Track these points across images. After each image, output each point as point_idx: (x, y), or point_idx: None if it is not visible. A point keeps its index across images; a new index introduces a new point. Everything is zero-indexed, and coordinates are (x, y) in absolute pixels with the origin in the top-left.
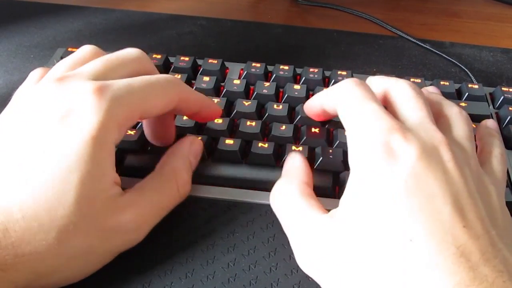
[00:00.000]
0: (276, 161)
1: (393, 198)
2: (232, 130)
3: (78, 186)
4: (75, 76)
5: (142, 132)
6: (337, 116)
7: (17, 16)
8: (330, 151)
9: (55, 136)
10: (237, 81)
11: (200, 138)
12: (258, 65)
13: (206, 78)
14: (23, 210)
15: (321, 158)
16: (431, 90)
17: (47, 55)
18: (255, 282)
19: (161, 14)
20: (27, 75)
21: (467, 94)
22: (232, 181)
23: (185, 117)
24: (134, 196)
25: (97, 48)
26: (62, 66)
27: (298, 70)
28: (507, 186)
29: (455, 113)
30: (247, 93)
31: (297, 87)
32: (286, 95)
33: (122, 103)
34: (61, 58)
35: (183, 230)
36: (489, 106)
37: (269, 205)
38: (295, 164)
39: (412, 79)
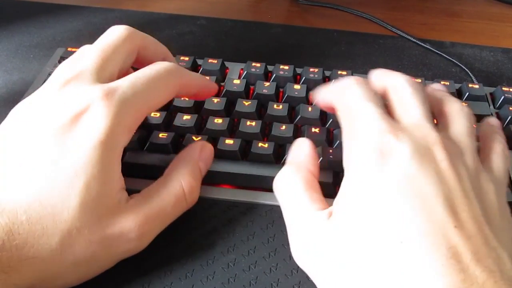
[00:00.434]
0: (276, 161)
1: (385, 200)
2: (232, 130)
3: (83, 191)
4: (78, 78)
5: (142, 132)
6: None
7: (17, 16)
8: (330, 151)
9: (63, 141)
10: (237, 81)
11: (200, 138)
12: (258, 65)
13: (206, 78)
14: (27, 213)
15: (321, 158)
16: (436, 87)
17: (46, 55)
18: (255, 282)
19: (160, 13)
20: (27, 75)
21: (467, 94)
22: (232, 181)
23: (185, 117)
24: (139, 203)
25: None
26: (63, 69)
27: (298, 70)
28: (508, 186)
29: (456, 109)
30: (247, 93)
31: (297, 87)
32: (286, 95)
33: (129, 106)
34: (61, 58)
35: (183, 230)
36: (489, 106)
37: (269, 206)
38: (303, 151)
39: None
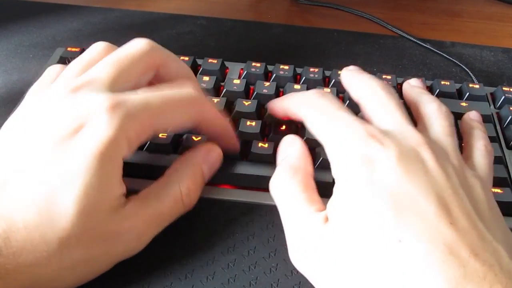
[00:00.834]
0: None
1: (378, 204)
2: None
3: (81, 198)
4: (89, 85)
5: None
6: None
7: (16, 15)
8: None
9: (63, 149)
10: (237, 81)
11: (199, 138)
12: (258, 64)
13: (206, 78)
14: (25, 220)
15: (321, 158)
16: (413, 83)
17: (46, 55)
18: (255, 282)
19: (160, 13)
20: (27, 75)
21: (468, 94)
22: (232, 181)
23: None
24: (136, 205)
25: (109, 45)
26: (75, 67)
27: (298, 70)
28: (507, 186)
29: (434, 109)
30: (247, 93)
31: (297, 87)
32: None
33: (135, 120)
34: (61, 57)
35: (182, 230)
36: (490, 106)
37: (269, 206)
38: (296, 151)
39: (412, 79)
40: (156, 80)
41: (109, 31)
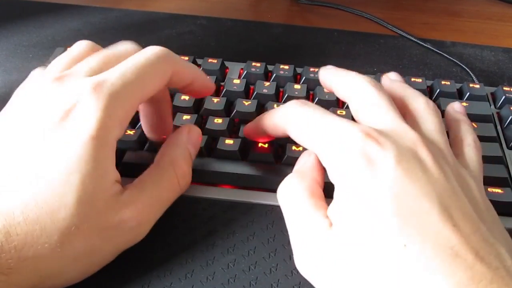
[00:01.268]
0: (276, 161)
1: (381, 207)
2: (232, 130)
3: (79, 187)
4: (72, 75)
5: (142, 131)
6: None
7: (16, 15)
8: None
9: (55, 138)
10: (237, 81)
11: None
12: (258, 64)
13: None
14: (24, 213)
15: None
16: (393, 77)
17: (46, 55)
18: (255, 283)
19: (160, 13)
20: (26, 75)
21: (468, 94)
22: (232, 181)
23: (185, 117)
24: (134, 192)
25: (92, 43)
26: (59, 63)
27: (299, 70)
28: (507, 186)
29: (422, 106)
30: (247, 93)
31: (297, 86)
32: (287, 94)
33: (120, 98)
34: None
35: (182, 231)
36: (490, 106)
37: (269, 206)
38: (309, 160)
39: (413, 79)
40: None
41: (109, 31)
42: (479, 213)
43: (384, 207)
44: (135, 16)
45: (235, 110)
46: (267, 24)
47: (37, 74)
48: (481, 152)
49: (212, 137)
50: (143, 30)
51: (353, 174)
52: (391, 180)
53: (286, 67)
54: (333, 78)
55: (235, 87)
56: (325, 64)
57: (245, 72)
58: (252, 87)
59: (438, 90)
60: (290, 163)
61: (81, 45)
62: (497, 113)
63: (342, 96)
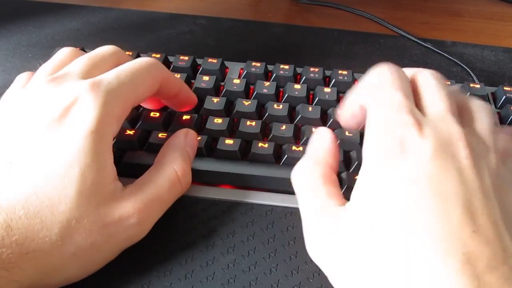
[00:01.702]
0: (276, 161)
1: (403, 197)
2: (232, 130)
3: (79, 180)
4: (66, 76)
5: (141, 131)
6: None
7: (16, 15)
8: None
9: (55, 133)
10: (237, 81)
11: (200, 138)
12: (258, 64)
13: (206, 78)
14: (25, 207)
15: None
16: (454, 88)
17: (45, 54)
18: (255, 283)
19: (160, 13)
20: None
21: (468, 93)
22: (232, 181)
23: (184, 117)
24: (135, 190)
25: (76, 49)
26: (48, 67)
27: (299, 70)
28: None
29: (478, 105)
30: (247, 93)
31: (297, 86)
32: (287, 94)
33: (116, 96)
34: None
35: (182, 231)
36: (491, 105)
37: (269, 206)
38: (323, 144)
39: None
40: None
41: (109, 30)
42: (508, 221)
43: (403, 202)
44: (135, 16)
45: (235, 110)
46: (267, 23)
47: (24, 79)
48: None
49: (212, 137)
50: (143, 30)
51: (384, 155)
52: (421, 172)
53: (286, 67)
54: (406, 69)
55: (235, 87)
56: (325, 63)
57: (245, 72)
58: (252, 87)
59: None
60: (290, 163)
61: (66, 51)
62: (498, 113)
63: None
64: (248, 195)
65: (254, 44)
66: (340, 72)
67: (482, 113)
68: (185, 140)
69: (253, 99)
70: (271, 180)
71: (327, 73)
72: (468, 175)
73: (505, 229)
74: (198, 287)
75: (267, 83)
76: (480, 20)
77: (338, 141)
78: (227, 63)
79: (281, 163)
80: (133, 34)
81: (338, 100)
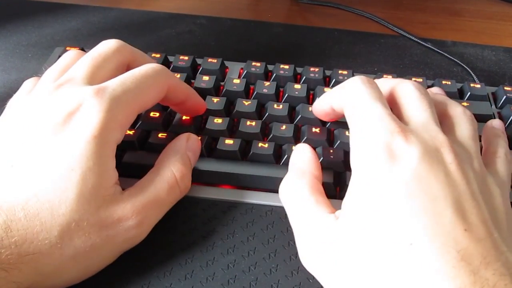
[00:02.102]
0: (276, 161)
1: (394, 201)
2: (232, 130)
3: (80, 184)
4: (70, 81)
5: (141, 131)
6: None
7: (15, 14)
8: (331, 151)
9: (57, 137)
10: (237, 81)
11: (200, 138)
12: (258, 64)
13: (206, 78)
14: (25, 209)
15: (322, 158)
16: (434, 91)
17: (45, 54)
18: (255, 283)
19: (160, 12)
20: (25, 74)
21: (469, 93)
22: (232, 181)
23: (184, 117)
24: (134, 192)
25: (80, 52)
26: (53, 73)
27: (299, 70)
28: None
29: (459, 112)
30: (247, 93)
31: (297, 86)
32: (287, 94)
33: (120, 103)
34: (59, 57)
35: (182, 231)
36: (491, 105)
37: (269, 206)
38: (304, 156)
39: (413, 79)
40: None
41: (108, 30)
42: (496, 221)
43: (395, 203)
44: (135, 15)
45: (235, 110)
46: (267, 23)
47: (31, 84)
48: (511, 166)
49: (212, 137)
50: (142, 30)
51: (373, 164)
52: (410, 176)
53: (286, 66)
54: (383, 82)
55: (235, 87)
56: (325, 63)
57: (245, 71)
58: (252, 87)
59: None
60: None
61: (71, 54)
62: (498, 113)
63: (383, 91)
64: (248, 195)
65: (254, 44)
66: (340, 72)
67: (462, 120)
68: (186, 144)
69: (253, 99)
70: (271, 180)
71: (327, 73)
72: (456, 178)
73: (494, 227)
74: (198, 287)
75: (267, 83)
76: (480, 20)
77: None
78: (227, 63)
79: (281, 163)
80: (133, 34)
81: None
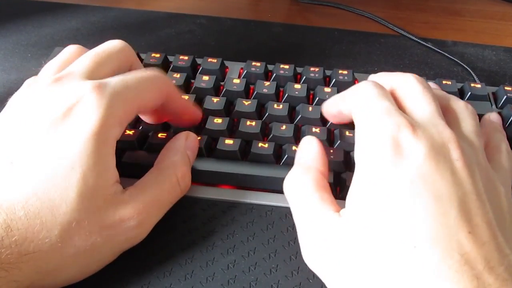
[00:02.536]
0: (276, 161)
1: (398, 201)
2: (232, 130)
3: (80, 182)
4: (69, 75)
5: (141, 131)
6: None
7: (15, 14)
8: (331, 151)
9: (57, 134)
10: (237, 80)
11: (200, 138)
12: (258, 64)
13: (206, 78)
14: (25, 207)
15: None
16: (432, 87)
17: (44, 54)
18: (255, 283)
19: (160, 12)
20: (25, 74)
21: (469, 93)
22: (232, 181)
23: None
24: (135, 192)
25: (81, 47)
26: (51, 67)
27: (299, 69)
28: None
29: (461, 107)
30: (247, 93)
31: (297, 86)
32: (287, 94)
33: (120, 99)
34: None
35: (182, 231)
36: (491, 105)
37: (269, 206)
38: (311, 150)
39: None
40: None
41: (108, 30)
42: (500, 222)
43: (400, 203)
44: (135, 15)
45: (235, 110)
46: (267, 23)
47: (32, 82)
48: None
49: (212, 137)
50: (142, 30)
51: (379, 158)
52: (416, 173)
53: (286, 66)
54: (384, 76)
55: (235, 87)
56: (325, 63)
57: (245, 71)
58: (252, 86)
59: None
60: (290, 163)
61: (71, 49)
62: (499, 113)
63: (387, 87)
64: (248, 195)
65: (254, 44)
66: (340, 71)
67: (465, 115)
68: (185, 143)
69: (253, 99)
70: (271, 180)
71: (328, 72)
72: (462, 176)
73: (498, 229)
74: (197, 287)
75: (267, 83)
76: (481, 20)
77: (337, 143)
78: (227, 63)
79: (281, 163)
80: (133, 34)
81: None
